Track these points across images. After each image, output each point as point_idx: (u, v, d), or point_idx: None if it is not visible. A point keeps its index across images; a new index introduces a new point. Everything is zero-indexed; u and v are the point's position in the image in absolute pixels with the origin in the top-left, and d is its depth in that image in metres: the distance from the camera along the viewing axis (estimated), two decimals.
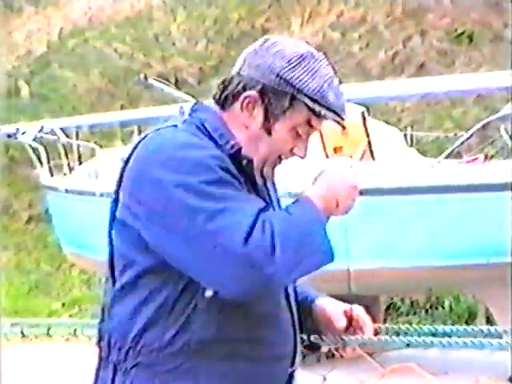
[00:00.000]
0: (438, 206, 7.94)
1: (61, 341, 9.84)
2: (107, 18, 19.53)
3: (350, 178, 2.21)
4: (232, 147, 2.18)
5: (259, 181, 2.27)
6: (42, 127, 11.63)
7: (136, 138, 2.20)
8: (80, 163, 11.13)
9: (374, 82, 12.01)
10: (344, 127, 2.24)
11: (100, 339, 2.25)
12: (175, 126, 2.21)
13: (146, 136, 2.22)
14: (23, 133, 11.79)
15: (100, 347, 2.25)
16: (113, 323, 2.22)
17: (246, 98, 2.20)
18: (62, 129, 11.47)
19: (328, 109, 2.20)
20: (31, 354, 9.29)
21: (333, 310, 2.46)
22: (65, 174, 11.23)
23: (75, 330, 9.83)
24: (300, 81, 2.18)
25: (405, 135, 9.78)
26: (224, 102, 2.24)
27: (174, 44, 18.36)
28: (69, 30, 19.67)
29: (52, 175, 11.43)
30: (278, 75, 2.17)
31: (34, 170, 12.18)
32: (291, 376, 2.34)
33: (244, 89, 2.20)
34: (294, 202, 2.14)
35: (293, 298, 2.36)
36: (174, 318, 2.15)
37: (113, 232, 2.24)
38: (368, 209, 8.12)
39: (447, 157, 8.63)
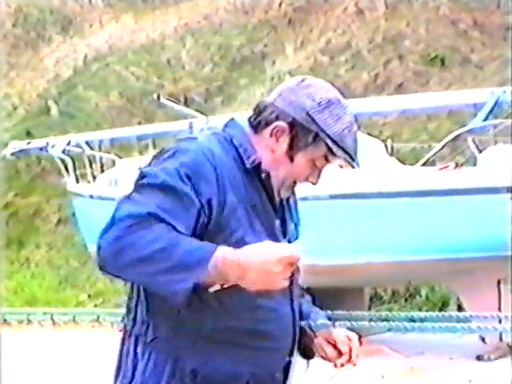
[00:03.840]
0: (415, 207, 7.93)
1: (87, 327, 9.88)
2: (125, 45, 19.53)
3: (271, 253, 2.02)
4: (253, 162, 2.21)
5: (277, 197, 2.28)
6: (69, 141, 11.63)
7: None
8: (102, 172, 11.12)
9: (358, 99, 12.01)
10: (353, 167, 2.26)
11: (127, 313, 2.27)
12: (195, 138, 2.24)
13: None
14: (53, 146, 11.79)
15: (126, 320, 2.27)
16: (138, 301, 2.24)
17: (276, 126, 2.22)
18: (86, 142, 11.46)
19: (344, 151, 2.24)
20: (61, 338, 9.30)
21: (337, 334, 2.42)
22: (89, 182, 11.21)
23: (98, 317, 9.89)
24: (325, 123, 2.20)
25: (386, 146, 9.76)
26: (257, 126, 2.25)
27: (183, 68, 18.36)
28: (92, 56, 19.66)
29: (78, 183, 11.42)
30: (307, 113, 2.20)
31: (62, 178, 12.17)
32: (289, 363, 2.33)
33: (276, 118, 2.22)
34: (209, 244, 2.06)
35: (296, 296, 2.33)
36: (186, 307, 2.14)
37: None
38: (354, 211, 8.12)
39: (423, 164, 8.63)
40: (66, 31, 21.15)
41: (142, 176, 2.14)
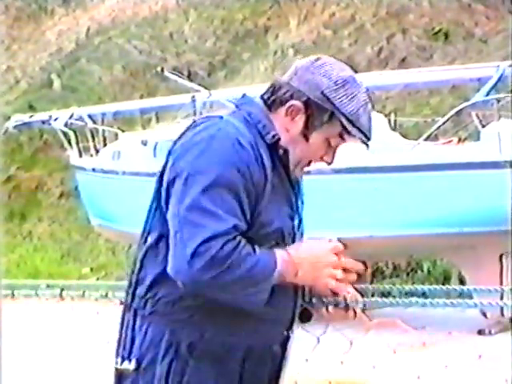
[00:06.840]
0: (418, 181, 7.92)
1: (92, 301, 9.92)
2: (128, 18, 19.44)
3: (323, 256, 2.24)
4: (273, 137, 2.21)
5: (292, 175, 2.29)
6: (72, 114, 11.62)
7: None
8: (105, 146, 11.12)
9: (361, 74, 11.95)
10: (368, 146, 2.25)
11: (128, 288, 2.28)
12: (221, 117, 2.21)
13: (193, 124, 2.23)
14: (55, 119, 11.78)
15: (127, 294, 2.28)
16: (139, 276, 2.25)
17: (291, 105, 2.21)
18: (89, 116, 11.45)
19: (359, 130, 2.22)
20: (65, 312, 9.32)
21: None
22: (91, 155, 11.21)
23: (107, 294, 9.91)
24: (340, 102, 2.20)
25: (389, 120, 9.73)
26: (271, 105, 2.25)
27: (186, 41, 18.29)
28: (95, 30, 19.59)
29: (80, 156, 11.43)
30: (322, 93, 2.20)
31: (64, 151, 12.17)
32: (288, 337, 2.34)
33: (291, 97, 2.21)
34: (268, 251, 2.15)
35: None
36: None
37: (153, 203, 2.25)
38: (357, 185, 8.12)
39: (426, 139, 8.61)
40: (68, 4, 21.06)
41: (194, 172, 2.10)
